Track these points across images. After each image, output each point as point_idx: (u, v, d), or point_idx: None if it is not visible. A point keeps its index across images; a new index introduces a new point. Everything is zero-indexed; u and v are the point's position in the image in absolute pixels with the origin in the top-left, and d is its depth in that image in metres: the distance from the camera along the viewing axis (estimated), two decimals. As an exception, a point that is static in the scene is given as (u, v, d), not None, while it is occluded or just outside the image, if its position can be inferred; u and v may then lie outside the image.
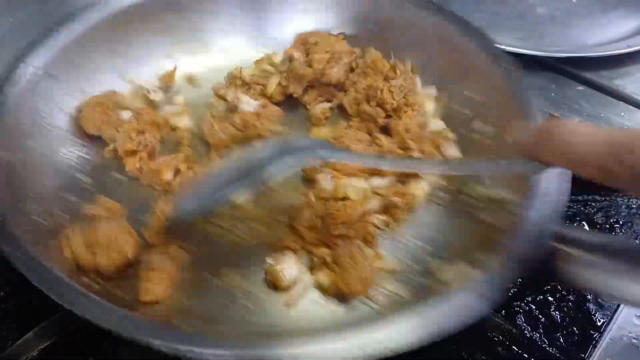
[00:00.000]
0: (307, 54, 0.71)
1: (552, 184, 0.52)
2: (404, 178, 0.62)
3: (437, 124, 0.69)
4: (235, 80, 0.72)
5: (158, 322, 0.46)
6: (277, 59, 0.75)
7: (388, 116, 0.68)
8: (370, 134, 0.67)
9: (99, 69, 0.70)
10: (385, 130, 0.68)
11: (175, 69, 0.74)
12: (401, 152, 0.64)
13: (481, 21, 0.76)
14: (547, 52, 0.84)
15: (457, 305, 0.44)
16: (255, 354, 0.41)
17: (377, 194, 0.61)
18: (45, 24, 0.95)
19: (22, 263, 0.45)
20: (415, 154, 0.64)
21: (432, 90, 0.72)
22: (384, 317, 0.44)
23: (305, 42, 0.73)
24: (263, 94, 0.71)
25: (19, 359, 0.50)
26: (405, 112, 0.67)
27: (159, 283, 0.51)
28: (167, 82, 0.74)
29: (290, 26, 0.78)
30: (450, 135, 0.68)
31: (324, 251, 0.56)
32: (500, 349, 0.54)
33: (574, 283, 0.47)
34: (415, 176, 0.62)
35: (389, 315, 0.45)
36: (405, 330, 0.42)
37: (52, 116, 0.64)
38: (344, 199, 0.59)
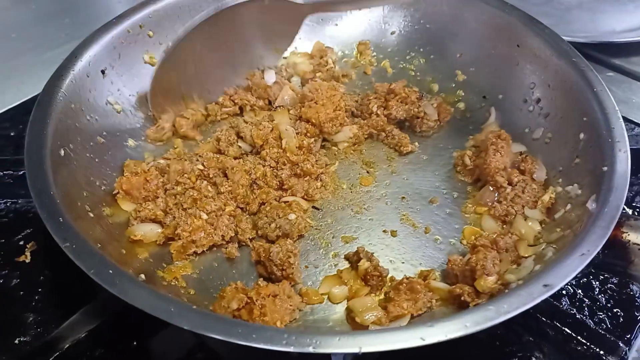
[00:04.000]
0: None
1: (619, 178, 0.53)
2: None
3: (516, 147, 0.68)
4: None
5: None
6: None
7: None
8: None
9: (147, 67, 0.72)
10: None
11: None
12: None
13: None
14: (575, 38, 0.83)
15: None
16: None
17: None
18: (68, 13, 0.95)
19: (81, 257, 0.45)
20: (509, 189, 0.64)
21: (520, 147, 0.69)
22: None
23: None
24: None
25: (65, 341, 0.49)
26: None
27: None
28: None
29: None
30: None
31: None
32: (549, 330, 0.53)
33: None
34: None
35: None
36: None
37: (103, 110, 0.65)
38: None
